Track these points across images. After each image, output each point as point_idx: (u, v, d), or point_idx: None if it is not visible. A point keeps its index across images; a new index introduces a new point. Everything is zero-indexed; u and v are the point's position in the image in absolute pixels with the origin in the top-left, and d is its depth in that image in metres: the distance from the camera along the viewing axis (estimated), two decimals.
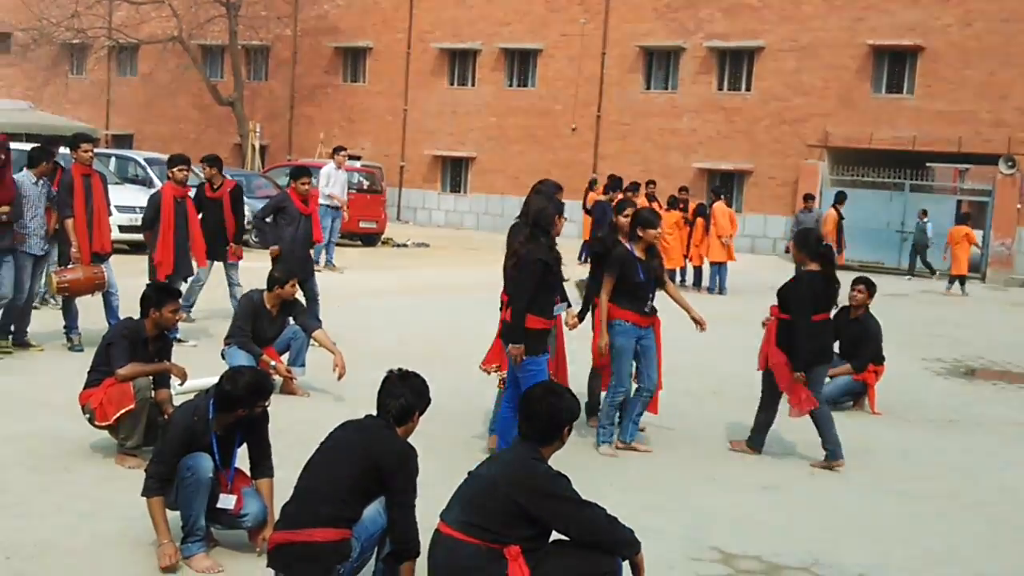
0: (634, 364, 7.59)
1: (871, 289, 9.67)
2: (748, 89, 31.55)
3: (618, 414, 7.67)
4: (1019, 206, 27.50)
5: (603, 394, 7.81)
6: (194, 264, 11.07)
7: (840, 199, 21.45)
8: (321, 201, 17.39)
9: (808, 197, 21.35)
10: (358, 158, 32.13)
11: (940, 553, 5.95)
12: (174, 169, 10.86)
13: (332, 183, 18.21)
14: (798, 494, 6.93)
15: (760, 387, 7.89)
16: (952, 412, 9.89)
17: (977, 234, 27.96)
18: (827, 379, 8.29)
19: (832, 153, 30.30)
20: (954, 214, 30.11)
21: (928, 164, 31.45)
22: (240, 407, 5.08)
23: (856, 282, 9.66)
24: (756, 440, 7.85)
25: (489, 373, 7.49)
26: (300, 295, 9.47)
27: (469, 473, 4.58)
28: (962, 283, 22.70)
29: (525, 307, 6.62)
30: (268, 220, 11.34)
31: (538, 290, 6.67)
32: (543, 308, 6.76)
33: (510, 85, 35.60)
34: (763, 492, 6.93)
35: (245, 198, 20.77)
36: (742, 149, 31.39)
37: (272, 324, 8.61)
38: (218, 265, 11.78)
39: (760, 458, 7.75)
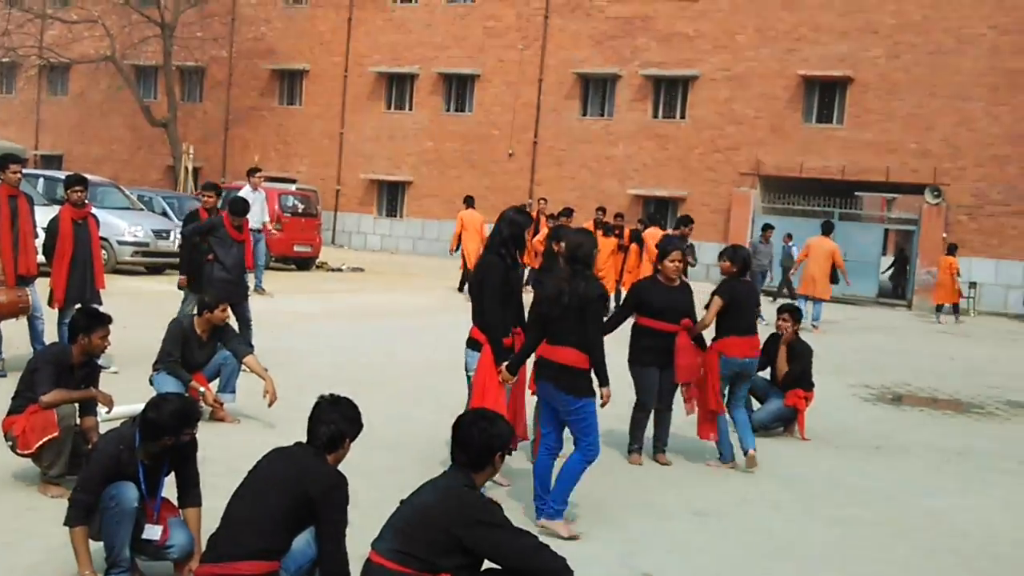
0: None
1: (796, 316, 9.82)
2: (682, 117, 31.98)
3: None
4: (944, 235, 28.14)
5: None
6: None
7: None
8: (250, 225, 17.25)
9: (767, 227, 21.48)
10: (293, 181, 31.94)
11: None
12: (70, 191, 10.07)
13: (252, 205, 17.98)
14: (730, 520, 6.97)
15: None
16: (879, 438, 10.03)
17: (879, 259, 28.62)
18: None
19: (764, 181, 30.79)
20: (881, 242, 30.80)
21: (857, 193, 32.09)
22: (166, 435, 4.98)
23: (780, 311, 9.80)
24: (726, 449, 8.35)
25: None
26: (232, 320, 9.35)
27: (401, 501, 4.54)
28: (955, 310, 23.95)
29: (604, 351, 6.38)
30: (196, 240, 11.16)
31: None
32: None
33: (447, 110, 35.69)
34: (696, 518, 6.96)
35: (177, 220, 20.71)
36: (676, 176, 31.77)
37: (202, 349, 8.48)
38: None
39: (694, 484, 7.80)
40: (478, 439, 4.50)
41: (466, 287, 21.45)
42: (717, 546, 6.39)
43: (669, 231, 18.58)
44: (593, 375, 6.35)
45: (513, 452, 7.45)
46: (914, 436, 10.28)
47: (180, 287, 11.54)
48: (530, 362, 6.76)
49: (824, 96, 30.40)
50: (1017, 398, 13.03)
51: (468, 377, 7.09)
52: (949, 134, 28.51)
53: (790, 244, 23.75)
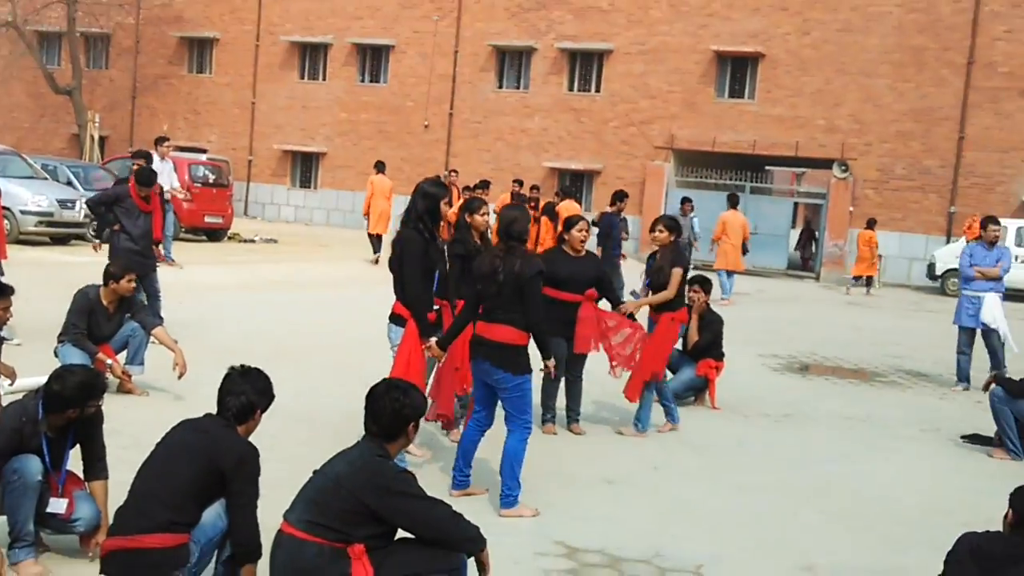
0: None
1: (706, 287, 9.98)
2: (597, 90, 32.11)
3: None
4: (851, 209, 28.78)
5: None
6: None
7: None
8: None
9: (685, 200, 21.61)
10: (204, 151, 31.34)
11: (774, 543, 6.16)
12: None
13: (160, 175, 17.61)
14: (640, 487, 7.08)
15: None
16: (787, 407, 10.27)
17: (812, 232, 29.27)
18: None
19: (677, 155, 31.11)
20: (791, 215, 31.41)
21: (767, 167, 32.63)
22: (70, 407, 4.88)
23: (691, 283, 9.91)
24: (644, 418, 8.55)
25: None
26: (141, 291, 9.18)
27: (314, 472, 4.51)
28: (868, 283, 24.58)
29: (544, 326, 6.38)
30: (103, 210, 10.88)
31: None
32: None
33: (362, 80, 35.33)
34: (607, 486, 7.06)
35: (83, 190, 20.21)
36: (591, 149, 31.93)
37: (109, 321, 8.31)
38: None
39: (606, 453, 7.90)
40: (390, 408, 4.48)
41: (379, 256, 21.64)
42: (628, 514, 6.49)
43: (583, 210, 18.75)
44: (535, 350, 6.31)
45: (445, 427, 7.52)
46: (820, 404, 10.54)
47: (95, 249, 11.15)
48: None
49: (736, 71, 30.77)
50: (918, 367, 13.43)
51: (393, 351, 6.92)
52: (856, 110, 29.10)
53: (691, 215, 24.02)
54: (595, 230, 13.79)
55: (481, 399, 6.51)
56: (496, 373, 6.24)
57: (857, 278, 24.79)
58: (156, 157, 17.87)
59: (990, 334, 11.61)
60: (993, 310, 11.53)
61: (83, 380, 4.93)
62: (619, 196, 16.58)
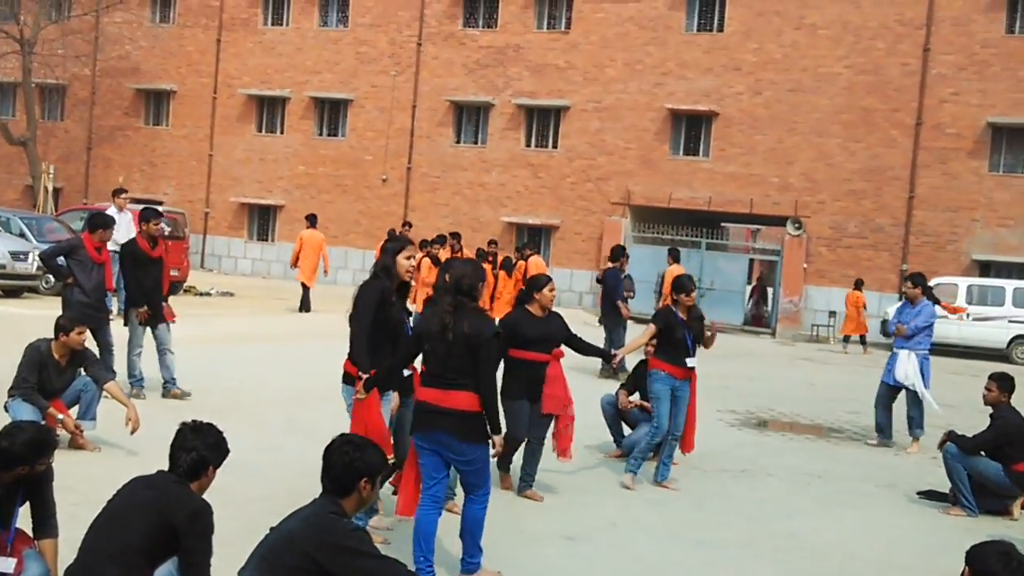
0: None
1: None
2: (555, 146, 32.40)
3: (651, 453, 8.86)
4: (805, 266, 29.14)
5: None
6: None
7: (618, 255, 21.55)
8: (111, 248, 16.71)
9: (671, 251, 21.72)
10: (160, 203, 31.13)
11: None
12: None
13: (116, 227, 17.44)
14: (599, 544, 7.04)
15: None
16: (745, 462, 10.28)
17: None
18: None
19: (634, 211, 31.37)
20: (746, 271, 31.75)
21: (723, 224, 32.99)
22: (20, 464, 4.77)
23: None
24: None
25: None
26: (92, 345, 9.05)
27: (271, 528, 4.43)
28: (862, 341, 24.96)
29: (497, 396, 5.97)
30: (59, 262, 10.72)
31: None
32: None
33: (320, 134, 35.39)
34: (566, 542, 7.01)
35: (36, 242, 19.96)
36: (549, 204, 32.13)
37: (60, 375, 8.17)
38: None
39: (564, 509, 7.84)
40: (341, 462, 4.40)
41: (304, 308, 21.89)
42: (586, 570, 6.44)
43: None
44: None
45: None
46: (777, 460, 10.57)
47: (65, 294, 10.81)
48: None
49: (691, 129, 31.20)
50: (871, 423, 13.50)
51: (348, 412, 6.63)
52: (808, 169, 29.58)
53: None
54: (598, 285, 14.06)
55: (432, 472, 5.94)
56: (457, 445, 5.78)
57: (847, 338, 25.29)
58: (114, 209, 17.74)
59: (906, 392, 11.68)
60: (905, 367, 11.61)
61: (33, 437, 4.82)
62: (620, 252, 16.57)
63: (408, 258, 6.71)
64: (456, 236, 20.58)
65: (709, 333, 9.10)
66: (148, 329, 10.92)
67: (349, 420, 6.52)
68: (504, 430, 6.09)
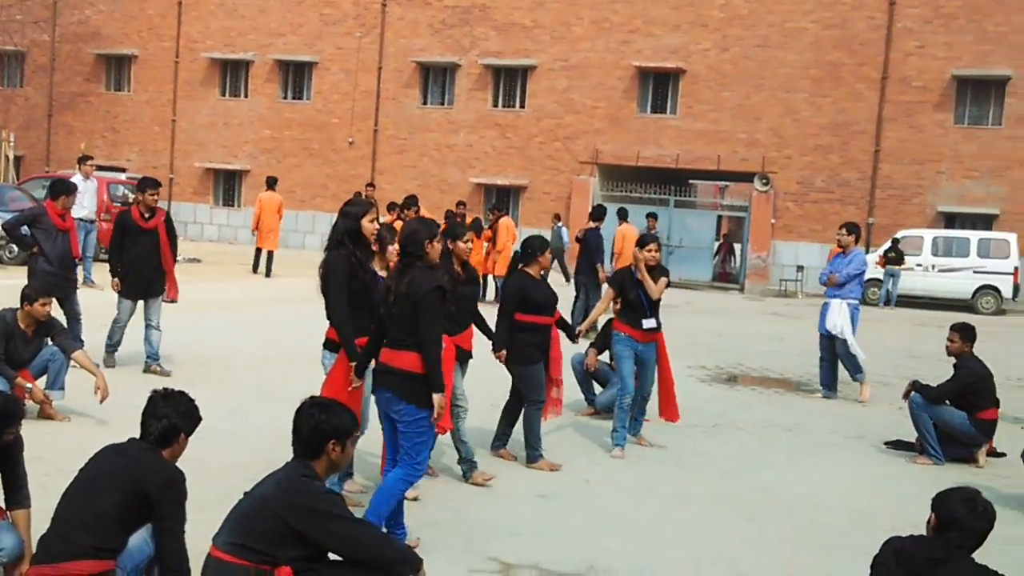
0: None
1: None
2: (522, 106, 32.27)
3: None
4: (773, 221, 29.28)
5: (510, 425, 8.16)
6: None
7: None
8: (77, 215, 16.57)
9: (651, 215, 21.63)
10: (123, 170, 30.77)
11: (707, 554, 6.21)
12: None
13: (82, 195, 17.29)
14: (572, 501, 7.09)
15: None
16: (716, 417, 10.37)
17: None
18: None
19: (602, 169, 31.37)
20: (715, 228, 31.85)
21: (691, 181, 33.06)
22: None
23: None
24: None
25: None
26: (59, 314, 8.96)
27: (244, 494, 4.43)
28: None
29: (439, 353, 5.69)
30: (23, 231, 10.58)
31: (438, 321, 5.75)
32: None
33: (285, 97, 35.06)
34: (539, 500, 7.05)
35: None
36: (517, 164, 32.06)
37: (27, 345, 8.10)
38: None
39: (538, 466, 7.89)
40: (308, 425, 4.41)
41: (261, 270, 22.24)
42: (561, 527, 6.49)
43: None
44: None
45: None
46: (747, 414, 10.67)
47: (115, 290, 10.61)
48: None
49: (658, 87, 31.17)
50: (842, 375, 13.64)
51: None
52: (775, 124, 29.66)
53: (559, 224, 24.14)
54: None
55: (389, 434, 5.93)
56: (398, 404, 5.64)
57: None
58: (79, 176, 17.53)
59: (836, 341, 11.70)
60: (835, 317, 11.63)
61: None
62: (602, 212, 16.46)
63: (371, 221, 6.54)
64: (461, 204, 20.82)
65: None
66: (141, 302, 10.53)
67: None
68: (448, 389, 5.85)
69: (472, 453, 7.42)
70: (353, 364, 6.15)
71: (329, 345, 6.60)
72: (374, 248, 6.76)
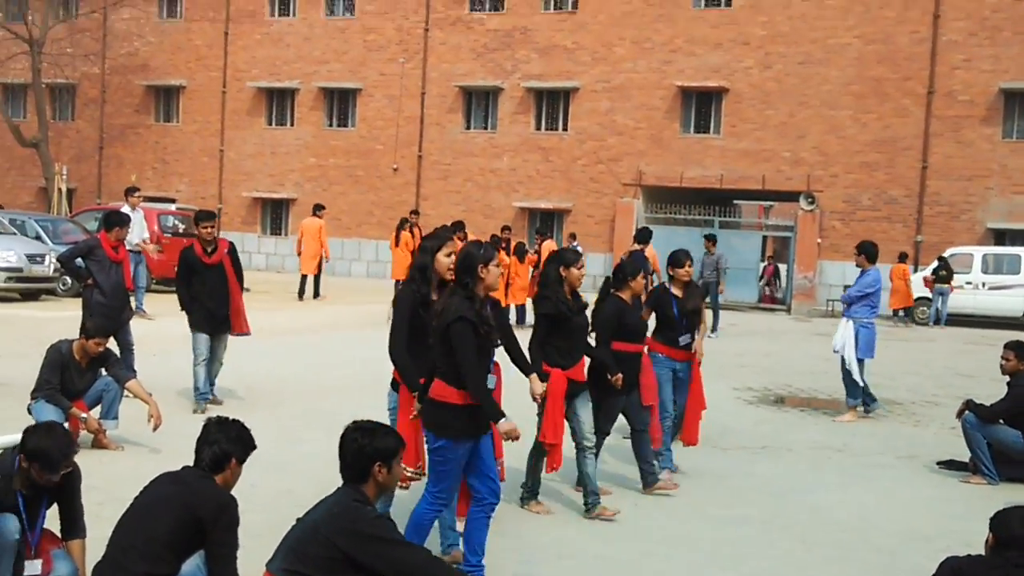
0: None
1: None
2: (565, 129, 32.36)
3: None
4: (819, 240, 29.05)
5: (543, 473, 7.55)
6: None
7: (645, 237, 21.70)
8: (126, 247, 16.85)
9: (709, 238, 21.78)
10: (173, 201, 31.27)
11: (756, 574, 6.17)
12: None
13: (131, 226, 17.57)
14: (623, 524, 7.07)
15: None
16: (763, 439, 10.31)
17: (781, 267, 29.62)
18: None
19: (646, 191, 31.33)
20: (760, 249, 31.65)
21: (735, 201, 32.92)
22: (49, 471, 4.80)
23: None
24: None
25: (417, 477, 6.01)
26: (113, 344, 9.11)
27: (297, 520, 4.47)
28: (907, 313, 25.27)
29: (482, 381, 5.48)
30: (78, 263, 10.78)
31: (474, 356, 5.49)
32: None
33: (330, 125, 35.44)
34: (589, 524, 7.05)
35: (52, 243, 20.08)
36: (560, 187, 32.12)
37: (82, 376, 8.24)
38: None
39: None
40: (352, 448, 4.42)
41: (313, 295, 22.69)
42: (610, 550, 6.48)
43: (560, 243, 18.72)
44: (480, 410, 5.46)
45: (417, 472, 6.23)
46: (796, 435, 10.59)
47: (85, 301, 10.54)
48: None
49: (701, 106, 31.12)
50: (891, 396, 13.52)
51: (390, 418, 6.27)
52: (820, 142, 29.48)
53: (574, 244, 24.06)
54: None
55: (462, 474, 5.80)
56: (424, 431, 5.63)
57: (896, 311, 25.32)
58: (127, 207, 17.83)
59: (842, 360, 11.54)
60: (839, 335, 11.54)
61: (50, 444, 4.81)
62: (647, 235, 16.41)
63: (448, 255, 6.12)
64: (506, 228, 20.91)
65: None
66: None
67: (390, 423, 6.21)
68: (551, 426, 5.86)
69: (596, 487, 7.24)
70: (421, 397, 5.86)
71: (394, 384, 6.33)
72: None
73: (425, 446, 5.86)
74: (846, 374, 11.56)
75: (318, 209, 23.34)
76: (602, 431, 7.64)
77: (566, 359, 6.99)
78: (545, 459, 7.24)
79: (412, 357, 6.01)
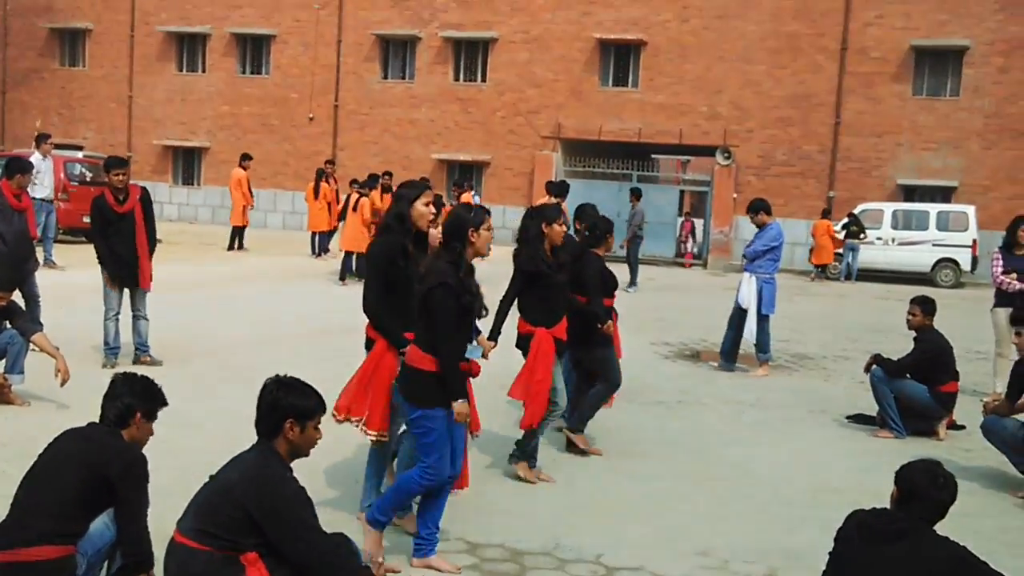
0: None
1: None
2: (484, 80, 32.11)
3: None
4: (735, 196, 29.39)
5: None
6: None
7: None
8: (36, 195, 16.37)
9: (634, 191, 22.15)
10: (80, 148, 30.36)
11: (671, 529, 6.25)
12: None
13: (42, 174, 17.07)
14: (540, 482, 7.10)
15: None
16: (679, 393, 10.43)
17: (698, 223, 29.93)
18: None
19: (565, 144, 31.32)
20: (678, 203, 31.86)
21: (653, 156, 33.08)
22: None
23: None
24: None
25: (355, 425, 5.84)
26: (18, 296, 8.82)
27: (210, 477, 4.36)
28: (823, 269, 25.67)
29: (453, 353, 5.27)
30: None
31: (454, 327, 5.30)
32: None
33: (243, 72, 34.67)
34: (506, 480, 7.06)
35: None
36: (479, 139, 31.95)
37: None
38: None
39: (502, 446, 7.88)
40: (267, 401, 4.30)
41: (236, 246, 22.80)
42: (527, 507, 6.50)
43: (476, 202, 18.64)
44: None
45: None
46: (711, 390, 10.74)
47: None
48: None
49: (619, 59, 31.13)
50: (803, 350, 13.79)
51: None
52: (736, 96, 29.72)
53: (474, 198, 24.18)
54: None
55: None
56: (400, 399, 5.44)
57: (818, 267, 25.74)
58: (38, 155, 17.28)
59: (747, 315, 11.72)
60: (744, 290, 11.74)
61: None
62: (565, 188, 16.21)
63: (427, 204, 5.93)
64: (388, 175, 20.40)
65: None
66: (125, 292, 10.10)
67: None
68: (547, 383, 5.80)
69: (536, 449, 7.22)
70: (399, 352, 5.66)
71: (369, 345, 6.01)
72: (432, 231, 6.15)
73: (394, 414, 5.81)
74: (759, 330, 11.72)
75: (244, 159, 23.29)
76: (612, 382, 7.82)
77: (548, 318, 6.96)
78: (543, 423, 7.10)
79: (388, 311, 5.81)
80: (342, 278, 17.92)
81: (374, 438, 5.80)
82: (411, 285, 5.69)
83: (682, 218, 32.68)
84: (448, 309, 5.19)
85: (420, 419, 5.26)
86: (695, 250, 31.60)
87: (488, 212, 5.69)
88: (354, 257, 17.99)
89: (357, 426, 5.81)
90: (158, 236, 10.59)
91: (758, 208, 11.79)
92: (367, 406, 5.77)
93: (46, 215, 16.99)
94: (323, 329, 12.48)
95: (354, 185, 19.74)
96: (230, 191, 23.46)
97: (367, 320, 5.96)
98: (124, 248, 9.90)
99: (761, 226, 11.80)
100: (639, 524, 6.30)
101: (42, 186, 16.80)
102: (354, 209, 18.63)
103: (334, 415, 5.71)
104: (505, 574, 5.45)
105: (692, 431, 8.86)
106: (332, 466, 6.96)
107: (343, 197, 20.85)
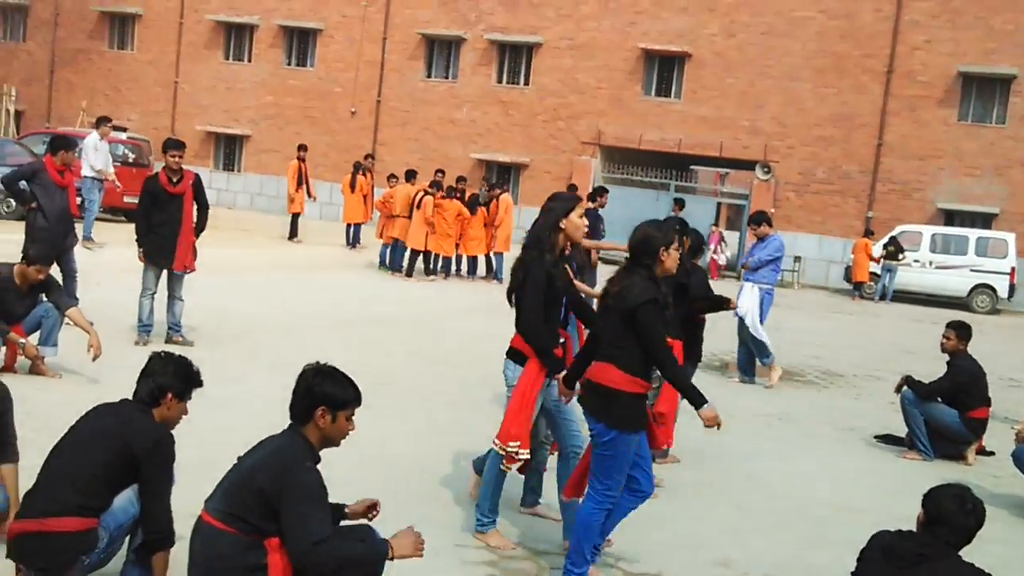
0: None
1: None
2: (526, 83, 32.14)
3: None
4: (772, 210, 29.21)
5: None
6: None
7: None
8: (86, 174, 16.61)
9: (678, 201, 21.54)
10: (124, 129, 30.63)
11: (693, 538, 6.23)
12: None
13: (97, 155, 17.33)
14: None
15: None
16: None
17: (733, 236, 29.77)
18: None
19: (604, 151, 31.29)
20: (714, 215, 31.75)
21: (692, 167, 32.97)
22: None
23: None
24: None
25: (512, 455, 5.63)
26: (56, 270, 8.92)
27: (238, 458, 4.37)
28: (858, 287, 25.63)
29: (676, 363, 5.26)
30: (22, 186, 10.51)
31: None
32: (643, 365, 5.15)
33: (288, 64, 34.89)
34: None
35: None
36: (519, 142, 31.96)
37: (21, 300, 8.08)
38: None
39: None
40: (304, 386, 4.26)
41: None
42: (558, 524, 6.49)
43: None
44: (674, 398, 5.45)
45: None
46: (738, 402, 10.66)
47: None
48: None
49: (663, 70, 31.05)
50: (833, 368, 13.69)
51: (508, 392, 5.82)
52: (779, 113, 29.58)
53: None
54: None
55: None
56: (591, 421, 5.13)
57: (857, 284, 25.65)
58: (95, 135, 17.48)
59: (744, 324, 11.72)
60: (744, 300, 11.66)
61: None
62: (600, 192, 16.18)
63: (580, 216, 5.70)
64: (440, 173, 20.78)
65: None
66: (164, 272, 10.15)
67: (506, 399, 5.88)
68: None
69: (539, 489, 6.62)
70: (559, 376, 5.57)
71: (513, 355, 5.80)
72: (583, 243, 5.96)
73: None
74: (751, 338, 11.72)
75: (300, 149, 23.03)
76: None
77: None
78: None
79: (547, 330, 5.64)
80: (398, 269, 19.14)
81: (526, 457, 5.65)
82: (561, 301, 5.68)
83: (712, 229, 32.53)
84: (660, 325, 5.07)
85: (611, 442, 5.07)
86: (723, 261, 31.44)
87: (679, 228, 5.53)
88: (407, 252, 18.97)
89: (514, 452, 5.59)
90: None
91: (760, 220, 11.87)
92: (527, 430, 5.65)
93: (98, 192, 17.33)
94: (355, 319, 12.55)
95: (392, 180, 19.85)
96: (289, 180, 23.14)
97: (517, 334, 5.72)
98: (168, 229, 9.95)
99: (763, 237, 11.80)
100: (659, 532, 6.27)
101: (95, 165, 17.08)
102: (418, 207, 18.93)
103: (502, 446, 5.56)
104: (525, 573, 5.44)
105: (717, 441, 8.78)
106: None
107: (382, 192, 20.96)
